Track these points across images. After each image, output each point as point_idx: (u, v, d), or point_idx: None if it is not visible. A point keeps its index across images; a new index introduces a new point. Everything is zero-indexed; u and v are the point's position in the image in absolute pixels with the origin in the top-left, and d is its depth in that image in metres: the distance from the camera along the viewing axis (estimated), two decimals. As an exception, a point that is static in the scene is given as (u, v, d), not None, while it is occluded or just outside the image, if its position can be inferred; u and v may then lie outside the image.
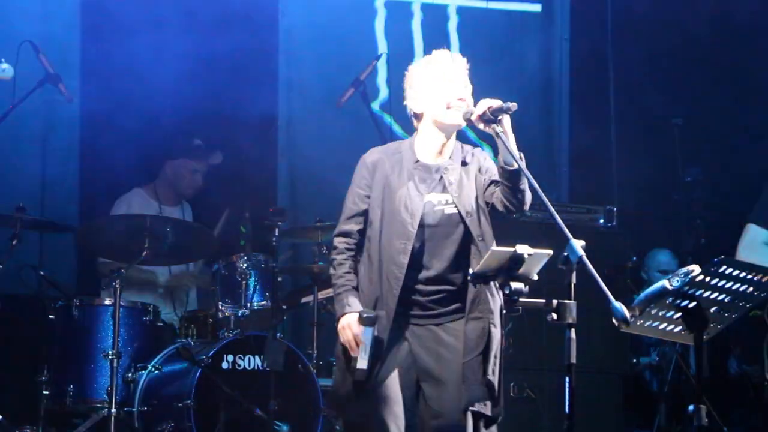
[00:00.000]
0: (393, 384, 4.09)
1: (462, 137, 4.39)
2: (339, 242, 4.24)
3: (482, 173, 4.19)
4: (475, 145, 4.35)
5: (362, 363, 4.06)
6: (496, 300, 4.10)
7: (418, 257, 4.13)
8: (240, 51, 7.70)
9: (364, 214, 4.21)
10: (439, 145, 4.21)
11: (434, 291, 4.15)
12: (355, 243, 4.22)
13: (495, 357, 4.10)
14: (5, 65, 5.60)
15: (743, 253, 5.61)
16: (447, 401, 4.09)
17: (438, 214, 4.14)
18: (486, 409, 4.05)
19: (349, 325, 4.10)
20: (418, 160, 4.20)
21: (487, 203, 4.16)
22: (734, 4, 7.58)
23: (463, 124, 4.16)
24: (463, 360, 4.09)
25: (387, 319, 4.10)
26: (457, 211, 4.13)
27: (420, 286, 4.14)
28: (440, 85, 4.16)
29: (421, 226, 4.12)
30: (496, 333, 4.11)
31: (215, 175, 7.20)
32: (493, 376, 4.08)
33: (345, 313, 4.13)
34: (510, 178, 4.04)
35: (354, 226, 4.22)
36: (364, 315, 4.06)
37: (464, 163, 4.21)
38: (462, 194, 4.14)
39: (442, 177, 4.17)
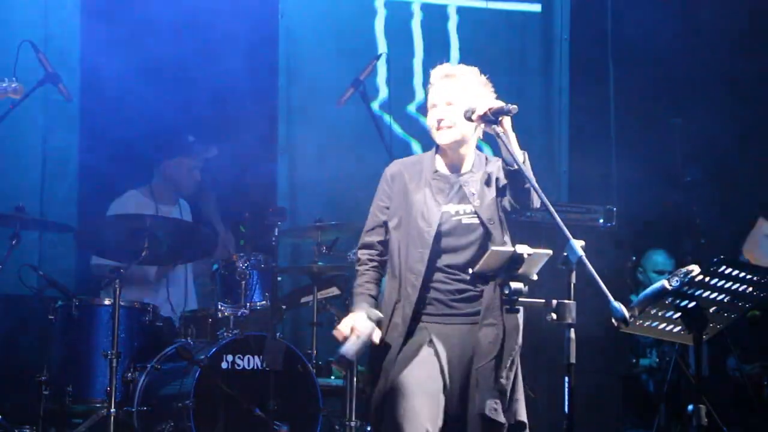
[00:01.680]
0: (409, 378, 4.08)
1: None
2: (362, 254, 4.33)
3: (501, 187, 4.24)
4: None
5: (350, 350, 4.06)
6: None
7: (440, 262, 4.16)
8: (239, 51, 7.70)
9: (385, 225, 4.28)
10: (455, 158, 4.28)
11: (458, 290, 4.16)
12: (378, 254, 4.29)
13: (510, 363, 4.11)
14: (15, 84, 5.57)
15: (745, 246, 5.68)
16: (462, 404, 4.11)
17: (455, 223, 4.18)
18: (498, 415, 4.06)
19: (353, 317, 4.15)
20: (436, 170, 4.27)
21: (503, 208, 4.22)
22: (736, 3, 7.59)
23: (442, 142, 4.22)
24: (476, 366, 4.10)
25: (403, 325, 4.13)
26: (477, 221, 4.17)
27: (442, 286, 4.17)
28: (430, 109, 4.28)
29: (439, 234, 4.16)
30: (513, 339, 4.12)
31: (215, 176, 7.20)
32: (507, 381, 4.08)
33: (356, 310, 4.19)
34: (513, 177, 4.08)
35: (375, 238, 4.30)
36: (373, 318, 4.11)
37: (487, 174, 4.24)
38: (483, 204, 4.19)
39: (461, 187, 4.22)
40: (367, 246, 4.31)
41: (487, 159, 4.31)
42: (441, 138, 4.22)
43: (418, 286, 4.13)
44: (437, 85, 4.26)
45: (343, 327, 4.13)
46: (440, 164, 4.29)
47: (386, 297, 4.22)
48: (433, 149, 4.35)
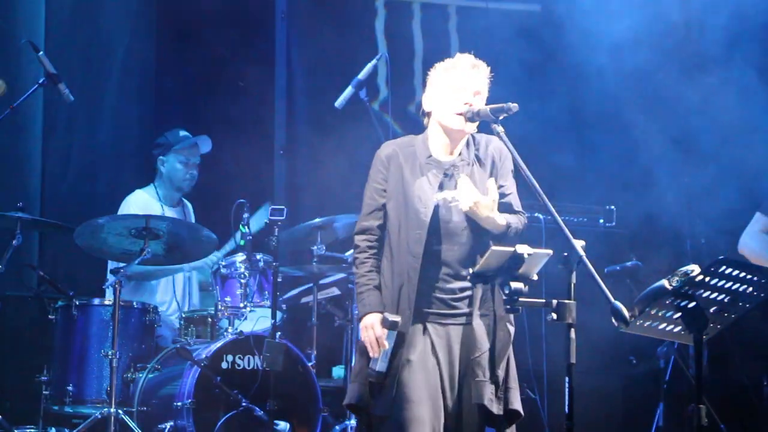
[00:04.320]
0: (415, 383, 4.06)
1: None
2: (360, 240, 4.26)
3: (497, 177, 4.21)
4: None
5: (381, 366, 4.07)
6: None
7: (437, 254, 4.13)
8: (239, 51, 7.71)
9: (383, 208, 4.23)
10: (448, 145, 4.24)
11: (458, 289, 4.14)
12: (377, 239, 4.23)
13: (503, 354, 4.10)
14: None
15: (741, 239, 5.71)
16: (459, 395, 4.10)
17: (453, 210, 4.14)
18: (493, 405, 4.06)
19: (372, 326, 4.11)
20: (430, 155, 4.23)
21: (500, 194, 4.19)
22: (734, 2, 7.57)
23: (467, 130, 4.18)
24: (472, 356, 4.09)
25: (409, 311, 4.10)
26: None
27: (443, 284, 4.14)
28: (450, 91, 4.20)
29: (437, 221, 4.13)
30: (505, 330, 4.11)
31: (215, 175, 7.20)
32: (501, 373, 4.08)
33: (367, 313, 4.14)
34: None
35: (374, 222, 4.24)
36: (389, 319, 4.06)
37: (478, 159, 4.21)
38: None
39: (453, 173, 4.18)
40: (366, 231, 4.25)
41: (474, 138, 4.27)
42: (468, 127, 4.16)
43: (418, 268, 4.09)
44: (466, 72, 4.20)
45: (371, 343, 4.10)
46: (434, 149, 4.25)
47: (387, 280, 4.17)
48: (425, 133, 4.30)
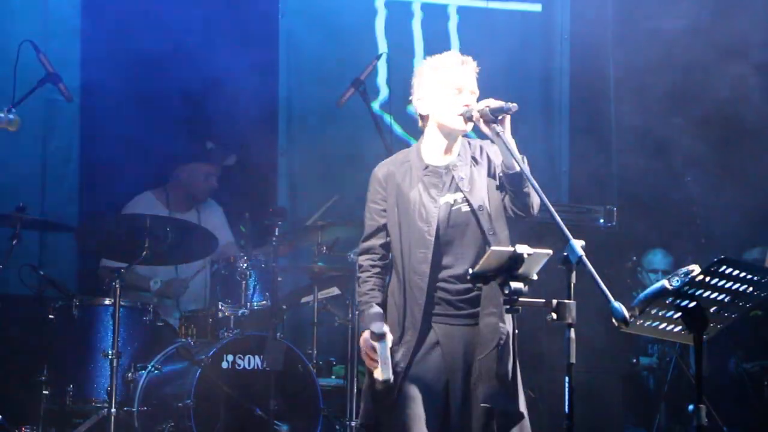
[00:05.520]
0: (417, 381, 4.06)
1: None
2: (363, 260, 4.25)
3: (496, 175, 4.18)
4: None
5: (384, 374, 4.05)
6: None
7: (442, 260, 4.12)
8: (240, 51, 7.70)
9: (385, 228, 4.21)
10: (446, 147, 4.21)
11: (464, 290, 4.13)
12: (380, 258, 4.22)
13: (509, 354, 4.10)
14: (13, 115, 5.44)
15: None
16: (465, 395, 4.09)
17: (455, 213, 4.13)
18: (501, 406, 4.05)
19: (364, 341, 4.11)
20: (427, 166, 4.20)
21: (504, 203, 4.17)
22: (734, 2, 7.59)
23: (468, 129, 4.16)
24: (478, 357, 4.08)
25: (414, 330, 4.09)
26: (470, 208, 4.13)
27: (449, 286, 4.13)
28: (447, 92, 4.16)
29: (441, 229, 4.12)
30: (511, 330, 4.11)
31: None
32: (507, 375, 4.08)
33: (364, 329, 4.13)
34: (512, 181, 4.04)
35: (376, 242, 4.22)
36: (375, 331, 4.04)
37: (474, 160, 4.20)
38: (473, 189, 4.13)
39: (453, 177, 4.16)
40: (368, 251, 4.24)
41: (469, 143, 4.25)
42: (469, 126, 4.12)
43: (424, 288, 4.09)
44: (457, 70, 4.16)
45: (364, 357, 4.10)
46: (429, 157, 4.21)
47: (397, 297, 4.16)
48: (419, 141, 4.27)
